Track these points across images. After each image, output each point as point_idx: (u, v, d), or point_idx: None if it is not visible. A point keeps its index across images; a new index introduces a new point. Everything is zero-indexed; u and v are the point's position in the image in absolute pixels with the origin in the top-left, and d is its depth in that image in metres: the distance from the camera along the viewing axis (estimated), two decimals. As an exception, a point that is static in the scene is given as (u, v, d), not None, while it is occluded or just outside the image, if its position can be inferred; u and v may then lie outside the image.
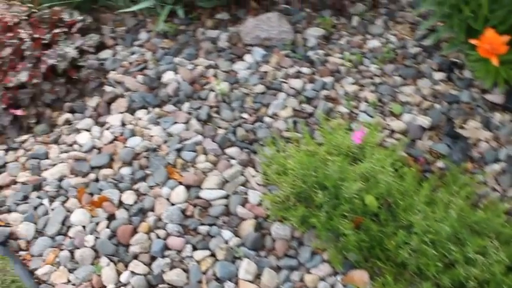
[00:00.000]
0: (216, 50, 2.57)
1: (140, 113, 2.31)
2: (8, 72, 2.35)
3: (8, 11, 2.51)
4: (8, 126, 2.33)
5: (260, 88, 2.36)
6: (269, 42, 2.56)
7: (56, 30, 2.51)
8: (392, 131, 2.18)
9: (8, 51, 2.39)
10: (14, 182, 2.16)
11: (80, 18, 2.64)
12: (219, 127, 2.22)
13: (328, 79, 2.38)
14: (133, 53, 2.59)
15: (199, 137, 2.17)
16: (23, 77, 2.32)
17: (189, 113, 2.28)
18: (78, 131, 2.29)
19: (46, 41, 2.46)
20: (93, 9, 2.83)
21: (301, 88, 2.34)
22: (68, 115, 2.35)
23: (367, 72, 2.42)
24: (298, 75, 2.41)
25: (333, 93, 2.32)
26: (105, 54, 2.59)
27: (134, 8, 2.61)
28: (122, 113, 2.32)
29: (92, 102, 2.38)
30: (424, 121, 2.18)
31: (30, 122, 2.34)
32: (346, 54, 2.49)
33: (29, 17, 2.55)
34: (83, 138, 2.24)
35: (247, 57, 2.52)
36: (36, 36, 2.43)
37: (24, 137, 2.32)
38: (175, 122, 2.25)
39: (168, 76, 2.43)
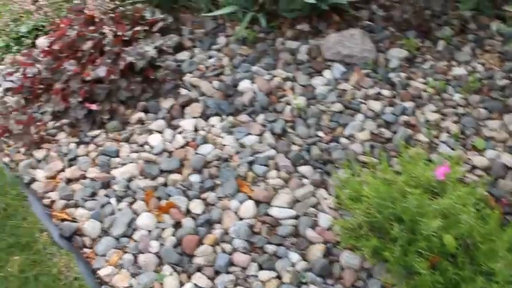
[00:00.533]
0: (295, 62, 2.52)
1: (214, 120, 2.28)
2: (87, 66, 2.36)
3: (94, 4, 2.51)
4: (82, 119, 2.34)
5: (338, 107, 2.29)
6: (350, 60, 2.49)
7: (137, 28, 2.50)
8: (474, 167, 2.07)
9: (89, 44, 2.40)
10: (84, 177, 2.16)
11: (161, 17, 2.64)
12: (293, 143, 2.16)
13: (409, 104, 2.28)
14: (210, 57, 2.56)
15: (272, 152, 2.12)
16: (101, 72, 2.32)
17: (264, 125, 2.23)
18: (150, 131, 2.27)
19: (126, 38, 2.46)
20: (173, 8, 2.83)
21: (380, 111, 2.26)
22: (141, 114, 2.34)
23: (450, 101, 2.31)
24: (377, 96, 2.33)
25: (413, 120, 2.23)
26: (183, 55, 2.58)
27: (216, 12, 2.59)
28: (195, 118, 2.30)
29: (166, 103, 2.37)
30: (509, 160, 2.06)
31: (103, 118, 2.34)
32: (430, 80, 2.39)
33: (112, 12, 2.55)
34: (155, 140, 2.22)
35: (326, 73, 2.46)
36: (118, 32, 2.42)
37: (96, 132, 2.33)
38: (249, 133, 2.21)
39: (244, 84, 2.39)
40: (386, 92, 2.34)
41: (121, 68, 2.34)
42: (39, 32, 2.93)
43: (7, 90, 2.56)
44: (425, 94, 2.34)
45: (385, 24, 2.67)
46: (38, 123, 2.35)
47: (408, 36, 2.60)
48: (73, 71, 2.32)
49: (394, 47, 2.55)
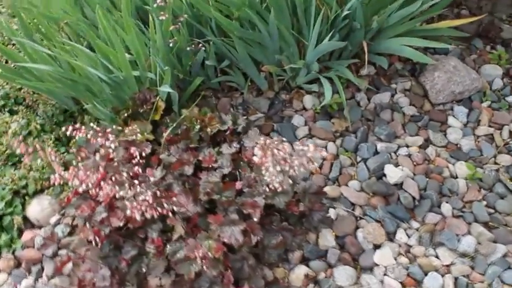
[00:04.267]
0: (407, 119, 2.02)
1: (400, 235, 1.72)
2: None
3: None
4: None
5: (507, 159, 1.90)
6: (461, 96, 2.08)
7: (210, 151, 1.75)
8: None
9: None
10: None
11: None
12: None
13: None
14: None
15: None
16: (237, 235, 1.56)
17: (460, 217, 1.76)
18: None
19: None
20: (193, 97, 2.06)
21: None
22: (304, 269, 1.66)
23: None
24: (526, 129, 1.99)
25: None
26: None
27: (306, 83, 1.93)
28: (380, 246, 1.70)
29: (326, 241, 1.71)
30: None
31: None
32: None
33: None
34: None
35: (451, 121, 2.03)
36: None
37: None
38: (460, 235, 1.71)
39: (391, 172, 1.85)
40: (527, 121, 2.01)
41: (257, 216, 1.59)
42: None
43: None
44: None
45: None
46: None
47: (496, 49, 2.27)
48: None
49: (483, 64, 2.21)
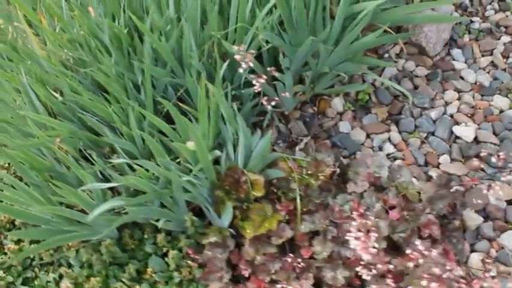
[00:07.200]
0: (427, 80, 2.06)
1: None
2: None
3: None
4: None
5: (523, 75, 2.07)
6: (445, 40, 2.18)
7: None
8: None
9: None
10: None
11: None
12: None
13: None
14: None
15: None
16: None
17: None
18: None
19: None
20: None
21: None
22: None
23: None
24: None
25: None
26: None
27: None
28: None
29: None
30: None
31: None
32: None
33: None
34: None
35: (458, 65, 2.11)
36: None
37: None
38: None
39: None
40: None
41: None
42: None
43: None
44: None
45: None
46: None
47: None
48: None
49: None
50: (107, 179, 1.58)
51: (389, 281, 1.35)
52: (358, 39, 1.76)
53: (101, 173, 1.60)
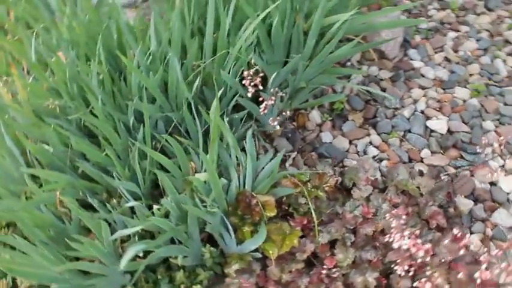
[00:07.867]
0: (391, 81, 2.17)
1: None
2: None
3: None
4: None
5: (476, 67, 2.22)
6: (400, 42, 2.30)
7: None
8: None
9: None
10: None
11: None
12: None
13: None
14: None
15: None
16: None
17: None
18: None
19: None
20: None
21: None
22: None
23: None
24: None
25: None
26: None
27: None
28: None
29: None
30: None
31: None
32: None
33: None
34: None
35: (416, 64, 2.24)
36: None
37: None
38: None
39: None
40: None
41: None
42: None
43: None
44: None
45: None
46: None
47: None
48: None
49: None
50: (110, 225, 1.54)
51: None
52: (333, 51, 1.82)
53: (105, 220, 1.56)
